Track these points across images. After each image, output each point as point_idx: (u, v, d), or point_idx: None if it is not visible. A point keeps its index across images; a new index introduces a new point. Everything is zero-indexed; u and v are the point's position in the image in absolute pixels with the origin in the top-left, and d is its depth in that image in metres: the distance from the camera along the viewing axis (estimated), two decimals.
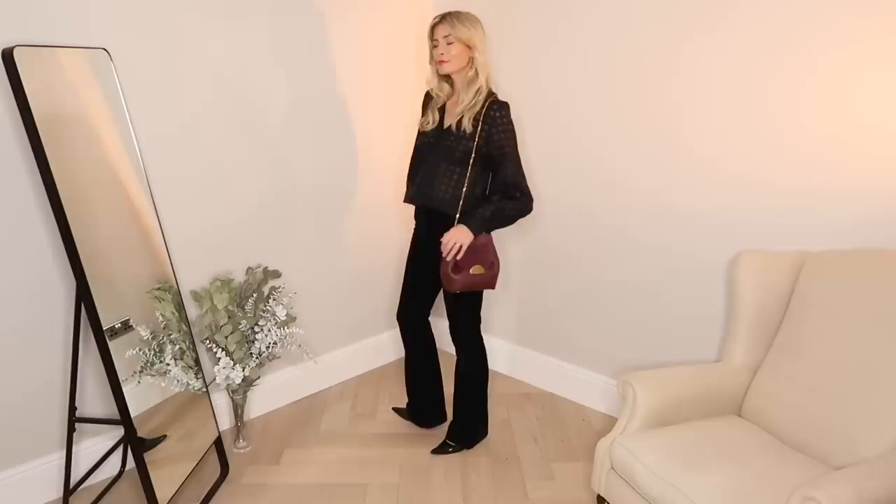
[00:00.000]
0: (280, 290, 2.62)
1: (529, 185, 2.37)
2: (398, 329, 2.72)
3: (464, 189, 2.34)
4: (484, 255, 2.37)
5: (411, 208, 2.58)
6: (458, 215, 2.35)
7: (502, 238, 3.18)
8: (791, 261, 2.19)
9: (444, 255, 2.33)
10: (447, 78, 2.39)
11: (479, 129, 2.29)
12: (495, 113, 2.28)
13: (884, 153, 2.09)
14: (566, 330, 3.06)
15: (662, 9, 2.47)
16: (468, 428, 2.68)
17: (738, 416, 2.19)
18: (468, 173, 2.33)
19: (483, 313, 2.58)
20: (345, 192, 3.06)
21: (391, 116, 3.12)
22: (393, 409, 2.96)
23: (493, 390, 3.10)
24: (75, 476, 2.24)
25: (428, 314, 2.67)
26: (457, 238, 2.30)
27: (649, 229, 2.68)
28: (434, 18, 2.31)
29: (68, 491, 2.16)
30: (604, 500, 2.15)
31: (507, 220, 2.39)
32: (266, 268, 2.64)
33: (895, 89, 2.04)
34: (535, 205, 2.39)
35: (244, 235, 2.71)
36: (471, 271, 2.35)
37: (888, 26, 2.01)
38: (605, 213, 2.81)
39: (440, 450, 2.66)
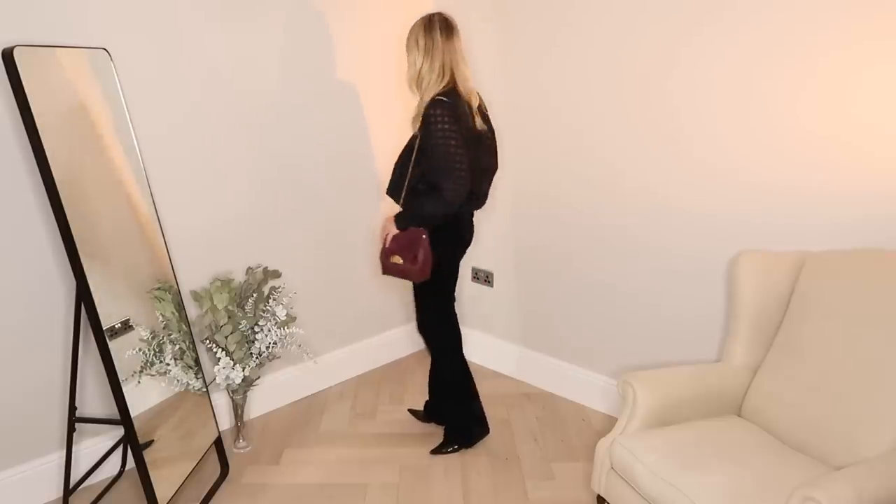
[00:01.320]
0: (280, 290, 2.62)
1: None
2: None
3: (406, 183, 2.43)
4: (410, 249, 2.43)
5: None
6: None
7: (502, 237, 3.19)
8: (791, 261, 2.19)
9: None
10: None
11: (418, 130, 2.37)
12: (428, 111, 2.31)
13: (884, 153, 2.09)
14: (566, 330, 3.06)
15: (661, 11, 2.47)
16: (457, 427, 2.69)
17: (738, 416, 2.18)
18: (409, 170, 2.41)
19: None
20: (345, 191, 3.06)
21: (392, 116, 3.11)
22: (408, 410, 2.95)
23: (494, 390, 3.10)
24: (75, 476, 2.24)
25: None
26: (385, 226, 2.47)
27: (649, 230, 2.68)
28: None
29: (68, 491, 2.16)
30: (604, 500, 2.15)
31: (425, 218, 2.40)
32: (266, 268, 2.64)
33: (895, 90, 2.04)
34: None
35: (244, 235, 2.71)
36: (391, 259, 2.47)
37: (888, 27, 2.01)
38: (605, 214, 2.81)
39: (438, 450, 2.67)
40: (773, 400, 2.08)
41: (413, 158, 2.38)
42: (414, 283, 2.54)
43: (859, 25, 2.06)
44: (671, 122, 2.54)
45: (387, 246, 2.47)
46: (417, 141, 2.35)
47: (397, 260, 2.46)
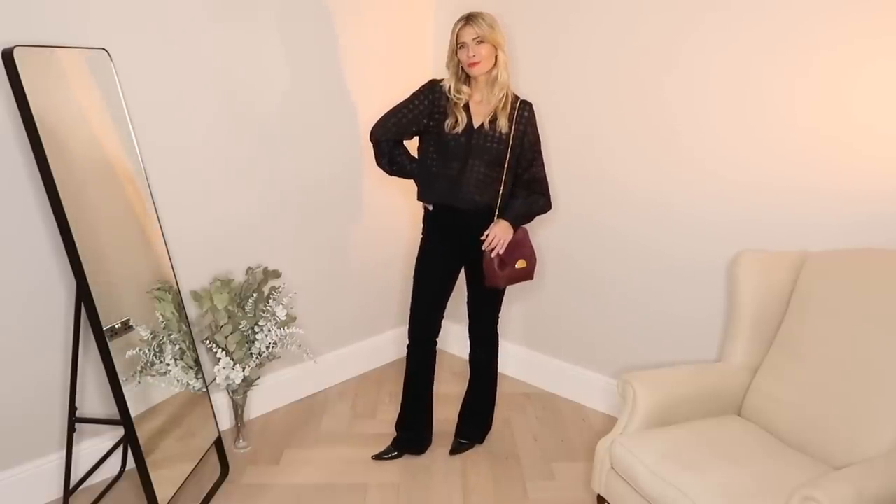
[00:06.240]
0: (280, 290, 2.62)
1: None
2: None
3: (500, 189, 2.35)
4: (523, 249, 2.41)
5: (411, 208, 2.58)
6: (497, 212, 2.36)
7: None
8: (791, 260, 2.19)
9: (488, 252, 2.33)
10: (466, 79, 2.31)
11: (513, 129, 2.32)
12: (528, 113, 2.34)
13: (883, 153, 2.09)
14: (567, 330, 3.06)
15: (656, 16, 2.49)
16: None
17: (738, 415, 2.19)
18: (504, 173, 2.34)
19: None
20: (345, 192, 3.06)
21: None
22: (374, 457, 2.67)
23: None
24: (75, 476, 2.24)
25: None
26: (499, 234, 2.32)
27: (650, 230, 2.68)
28: (459, 21, 2.25)
29: (68, 491, 2.16)
30: (604, 500, 2.15)
31: (533, 216, 2.44)
32: (266, 268, 2.64)
33: (894, 89, 2.04)
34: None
35: (244, 235, 2.71)
36: (516, 266, 2.38)
37: (887, 25, 2.01)
38: (605, 216, 2.81)
39: (459, 449, 2.67)
40: (773, 400, 2.08)
41: (506, 162, 2.33)
42: (487, 288, 2.41)
43: (857, 24, 2.07)
44: (670, 124, 2.54)
45: (501, 253, 2.33)
46: (511, 143, 2.31)
47: (522, 264, 2.39)
